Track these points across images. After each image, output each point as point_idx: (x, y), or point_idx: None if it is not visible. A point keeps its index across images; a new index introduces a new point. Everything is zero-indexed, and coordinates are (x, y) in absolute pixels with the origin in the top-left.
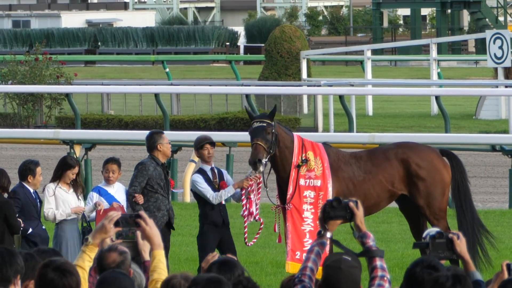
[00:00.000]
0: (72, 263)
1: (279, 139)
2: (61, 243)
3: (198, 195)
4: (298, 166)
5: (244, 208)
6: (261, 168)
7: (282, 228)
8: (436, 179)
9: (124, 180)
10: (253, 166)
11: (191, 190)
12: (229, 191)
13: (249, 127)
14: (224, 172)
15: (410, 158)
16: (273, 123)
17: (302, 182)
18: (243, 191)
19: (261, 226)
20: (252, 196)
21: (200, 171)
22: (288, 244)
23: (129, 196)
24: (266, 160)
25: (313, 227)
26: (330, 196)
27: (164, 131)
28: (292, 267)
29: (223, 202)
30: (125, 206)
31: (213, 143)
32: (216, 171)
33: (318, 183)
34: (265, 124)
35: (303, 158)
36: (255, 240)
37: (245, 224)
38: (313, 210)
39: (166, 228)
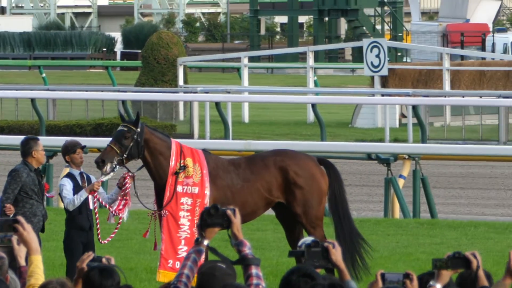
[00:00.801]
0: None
1: (150, 145)
2: None
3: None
4: (176, 173)
5: (116, 206)
6: (106, 169)
7: (159, 235)
8: (313, 187)
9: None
10: (96, 165)
11: (59, 194)
12: (81, 195)
13: None
14: (92, 177)
15: (288, 166)
16: (137, 129)
17: (179, 188)
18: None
19: (118, 226)
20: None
21: (69, 176)
22: (161, 252)
23: (1, 203)
24: (115, 163)
25: (189, 234)
26: (207, 203)
27: (40, 137)
28: (163, 276)
29: (91, 207)
30: None
31: (83, 147)
32: (85, 176)
33: (196, 190)
34: (125, 129)
35: (181, 165)
36: (109, 238)
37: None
38: (190, 217)
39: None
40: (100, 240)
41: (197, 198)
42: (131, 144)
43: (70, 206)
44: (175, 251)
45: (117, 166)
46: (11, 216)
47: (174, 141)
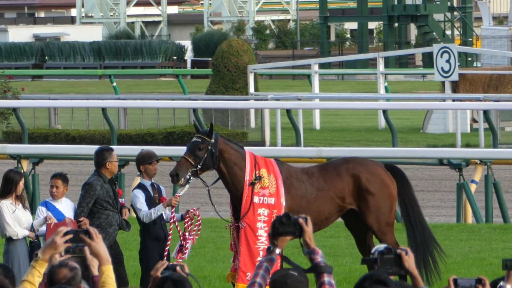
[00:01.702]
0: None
1: (224, 155)
2: (12, 258)
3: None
4: (252, 184)
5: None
6: (182, 182)
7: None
8: (384, 194)
9: (72, 195)
10: (171, 179)
11: (131, 205)
12: (158, 210)
13: None
14: (163, 188)
15: (360, 173)
16: (211, 140)
17: (256, 199)
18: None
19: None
20: (187, 234)
21: (141, 187)
22: (239, 265)
23: (76, 216)
24: (190, 175)
25: (267, 245)
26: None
27: (111, 146)
28: None
29: (165, 218)
30: None
31: (159, 160)
32: (156, 186)
33: (272, 201)
34: (199, 140)
35: (257, 175)
36: (184, 256)
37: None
38: (266, 228)
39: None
40: (177, 257)
41: (273, 209)
42: (205, 155)
43: (146, 219)
44: (253, 263)
45: (192, 178)
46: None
47: (248, 151)
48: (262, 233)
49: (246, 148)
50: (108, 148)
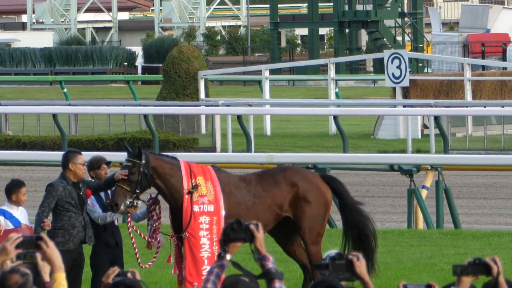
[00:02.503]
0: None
1: (159, 171)
2: None
3: (89, 214)
4: (190, 193)
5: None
6: (122, 209)
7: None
8: (321, 203)
9: (28, 201)
10: (111, 209)
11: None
12: (112, 216)
13: None
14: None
15: (298, 181)
16: (142, 161)
17: (196, 208)
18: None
19: (158, 250)
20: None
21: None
22: (185, 275)
23: (38, 216)
24: (130, 200)
25: (210, 253)
26: (223, 220)
27: (63, 152)
28: None
29: (116, 223)
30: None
31: (108, 163)
32: (109, 192)
33: (212, 208)
34: (130, 164)
35: (193, 184)
36: (151, 263)
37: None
38: (209, 236)
39: (79, 244)
40: (141, 265)
41: (213, 216)
42: (139, 178)
43: (101, 221)
44: (199, 271)
45: (136, 201)
46: (47, 229)
47: (182, 161)
48: (205, 241)
49: (195, 153)
50: (73, 150)
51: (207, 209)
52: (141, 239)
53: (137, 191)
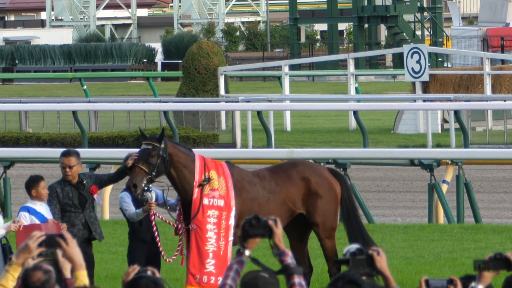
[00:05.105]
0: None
1: (174, 159)
2: None
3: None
4: (201, 185)
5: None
6: (139, 191)
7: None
8: (332, 197)
9: None
10: (129, 190)
11: (120, 208)
12: (139, 213)
13: None
14: (159, 192)
15: (310, 176)
16: (161, 145)
17: (205, 201)
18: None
19: (180, 243)
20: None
21: (128, 189)
22: (188, 267)
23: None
24: (145, 183)
25: (216, 247)
26: (232, 217)
27: (83, 149)
28: None
29: (152, 218)
30: None
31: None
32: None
33: (222, 203)
34: (150, 147)
35: (206, 177)
36: (174, 257)
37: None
38: (216, 230)
39: (87, 242)
40: (165, 259)
41: (222, 211)
42: (158, 162)
43: (131, 219)
44: (203, 265)
45: (150, 186)
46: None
47: (197, 154)
48: (212, 235)
49: (215, 149)
50: (64, 152)
51: (217, 203)
52: (164, 234)
53: (153, 174)
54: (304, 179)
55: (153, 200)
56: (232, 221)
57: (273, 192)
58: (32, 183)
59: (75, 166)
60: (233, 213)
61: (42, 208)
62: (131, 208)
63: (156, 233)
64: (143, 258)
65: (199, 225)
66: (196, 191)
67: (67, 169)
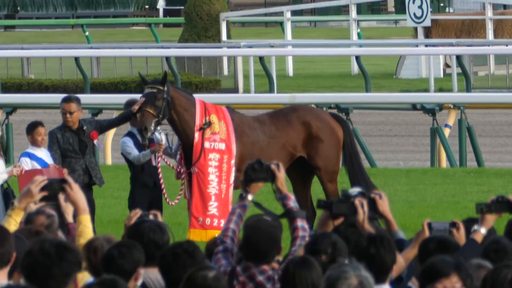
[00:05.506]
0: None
1: (175, 102)
2: None
3: (126, 157)
4: (202, 129)
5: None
6: (149, 134)
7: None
8: (333, 141)
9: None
10: (140, 134)
11: (121, 153)
12: (146, 154)
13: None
14: (159, 137)
15: (311, 120)
16: (165, 88)
17: (207, 144)
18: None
19: (182, 187)
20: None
21: (129, 134)
22: (191, 210)
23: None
24: (153, 125)
25: (217, 190)
26: (233, 160)
27: (85, 95)
28: (194, 234)
29: (154, 164)
30: None
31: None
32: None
33: (223, 146)
34: (155, 90)
35: (207, 121)
36: (177, 200)
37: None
38: (217, 173)
39: (88, 188)
40: (168, 202)
41: (224, 154)
42: (163, 104)
43: (136, 162)
44: (205, 207)
45: (157, 128)
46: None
47: (197, 98)
48: (213, 178)
49: (217, 95)
50: (64, 98)
51: (218, 147)
52: (167, 179)
53: (160, 116)
54: (305, 123)
55: (163, 142)
56: (233, 164)
57: (273, 136)
58: (28, 129)
59: (75, 112)
60: (234, 156)
61: (43, 153)
62: (135, 152)
63: (160, 176)
64: (145, 203)
65: (201, 169)
66: (197, 135)
67: (68, 115)
